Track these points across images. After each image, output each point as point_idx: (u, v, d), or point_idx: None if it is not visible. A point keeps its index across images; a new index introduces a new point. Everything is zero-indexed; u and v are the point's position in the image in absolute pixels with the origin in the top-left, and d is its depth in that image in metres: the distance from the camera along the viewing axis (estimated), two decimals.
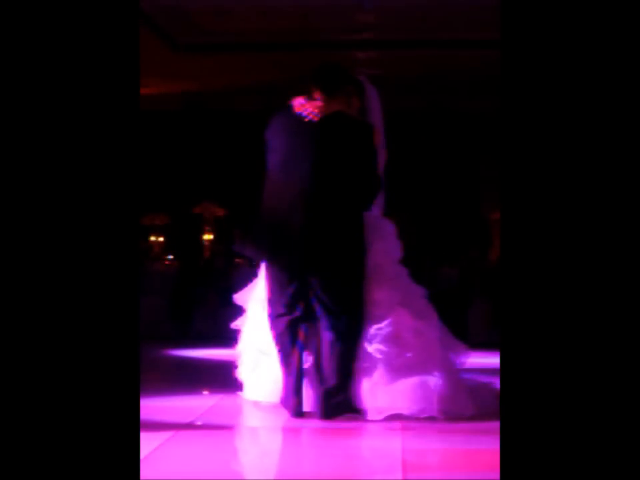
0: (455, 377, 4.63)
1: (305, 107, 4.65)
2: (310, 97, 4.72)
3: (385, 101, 5.01)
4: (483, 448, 3.65)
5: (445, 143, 13.39)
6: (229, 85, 12.06)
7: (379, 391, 4.45)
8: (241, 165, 12.47)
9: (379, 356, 4.50)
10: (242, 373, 4.88)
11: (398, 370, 4.48)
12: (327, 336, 4.46)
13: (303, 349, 4.50)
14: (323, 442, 3.98)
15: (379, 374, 4.47)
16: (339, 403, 4.40)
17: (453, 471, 3.36)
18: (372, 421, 4.30)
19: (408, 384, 4.45)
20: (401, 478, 3.14)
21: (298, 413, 4.40)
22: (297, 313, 4.50)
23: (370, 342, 4.54)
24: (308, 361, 4.49)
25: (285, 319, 4.51)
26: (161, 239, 13.43)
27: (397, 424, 4.20)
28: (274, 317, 4.56)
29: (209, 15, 9.66)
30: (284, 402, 4.50)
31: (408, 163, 11.82)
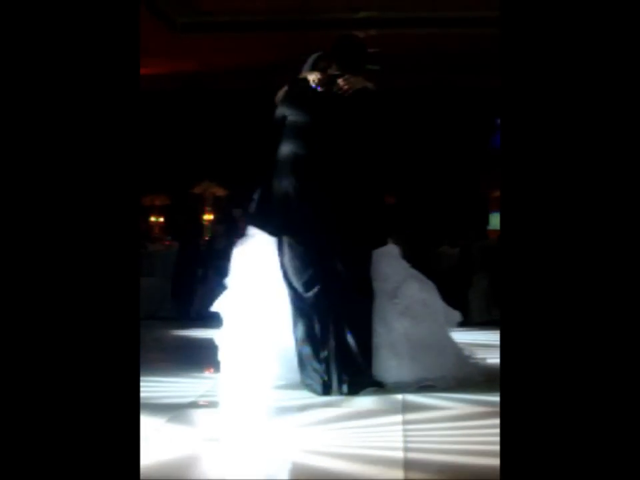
0: (456, 345, 4.85)
1: (323, 80, 4.64)
2: (328, 71, 4.71)
3: (384, 78, 5.03)
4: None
5: (443, 121, 13.35)
6: (227, 64, 12.02)
7: (403, 364, 4.59)
8: (240, 144, 12.45)
9: (400, 330, 4.65)
10: (230, 355, 4.90)
11: (415, 342, 4.65)
12: (347, 313, 4.54)
13: (325, 327, 4.55)
14: (334, 419, 3.99)
15: (401, 348, 4.62)
16: (364, 378, 4.48)
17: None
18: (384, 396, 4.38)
19: (427, 354, 4.63)
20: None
21: (325, 391, 4.44)
22: (316, 292, 4.54)
23: (387, 317, 4.67)
24: (329, 340, 4.54)
25: (305, 298, 4.54)
26: (161, 219, 13.42)
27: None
28: (293, 297, 4.59)
29: None
30: (305, 381, 4.53)
31: (406, 141, 11.79)
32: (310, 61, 5.03)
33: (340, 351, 4.50)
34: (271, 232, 4.69)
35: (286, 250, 4.64)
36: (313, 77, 4.67)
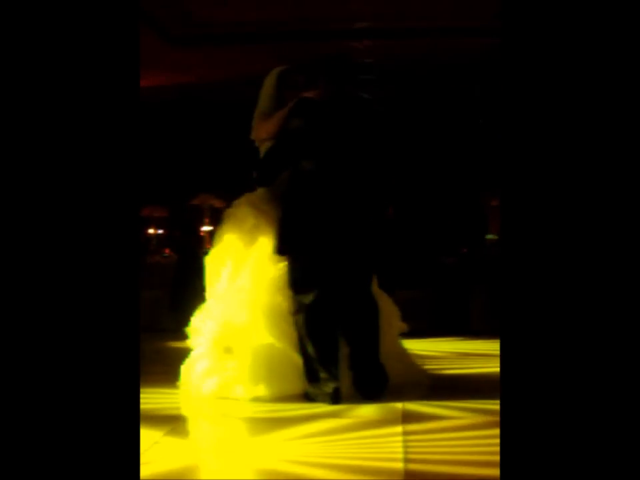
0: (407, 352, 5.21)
1: (314, 95, 4.68)
2: (317, 86, 4.75)
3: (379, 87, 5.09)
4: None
5: (441, 131, 13.35)
6: (224, 76, 12.03)
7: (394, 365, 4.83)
8: (236, 156, 12.45)
9: (395, 334, 5.01)
10: (203, 370, 4.89)
11: (395, 345, 5.01)
12: (356, 321, 4.65)
13: (336, 336, 4.63)
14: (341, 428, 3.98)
15: (393, 350, 4.93)
16: (382, 380, 4.62)
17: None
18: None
19: (404, 355, 5.05)
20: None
21: (336, 399, 4.46)
22: (325, 301, 4.60)
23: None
24: (339, 347, 4.64)
25: (314, 309, 4.57)
26: (160, 231, 13.41)
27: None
28: (300, 308, 4.62)
29: (203, 6, 9.62)
30: (314, 390, 4.56)
31: (403, 152, 11.78)
32: (274, 74, 5.07)
33: (351, 358, 4.62)
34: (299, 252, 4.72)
35: (295, 261, 4.67)
36: (313, 94, 4.71)
